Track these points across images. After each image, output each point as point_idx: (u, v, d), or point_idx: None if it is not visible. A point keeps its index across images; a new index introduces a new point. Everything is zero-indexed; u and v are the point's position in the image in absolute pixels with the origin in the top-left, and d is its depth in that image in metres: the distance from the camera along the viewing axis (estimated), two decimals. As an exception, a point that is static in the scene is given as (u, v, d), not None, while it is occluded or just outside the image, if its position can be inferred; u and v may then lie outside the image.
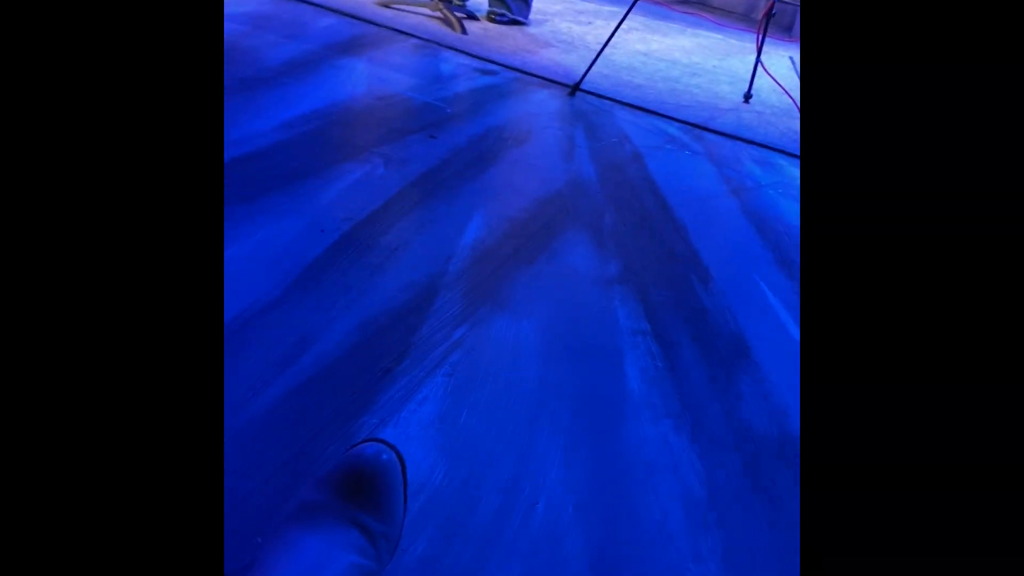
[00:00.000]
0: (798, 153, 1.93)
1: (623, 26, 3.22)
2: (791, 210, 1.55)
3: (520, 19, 2.77)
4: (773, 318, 1.10)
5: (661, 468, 0.77)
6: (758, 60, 2.26)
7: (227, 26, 1.97)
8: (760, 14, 2.35)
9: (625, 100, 2.10)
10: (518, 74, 2.15)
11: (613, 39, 2.74)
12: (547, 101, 1.95)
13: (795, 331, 1.07)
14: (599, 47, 2.68)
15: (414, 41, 2.25)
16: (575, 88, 2.06)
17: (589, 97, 2.06)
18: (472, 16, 2.71)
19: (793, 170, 1.81)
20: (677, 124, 1.99)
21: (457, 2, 2.75)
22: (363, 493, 0.57)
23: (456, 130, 1.60)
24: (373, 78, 1.83)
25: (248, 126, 1.38)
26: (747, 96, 2.33)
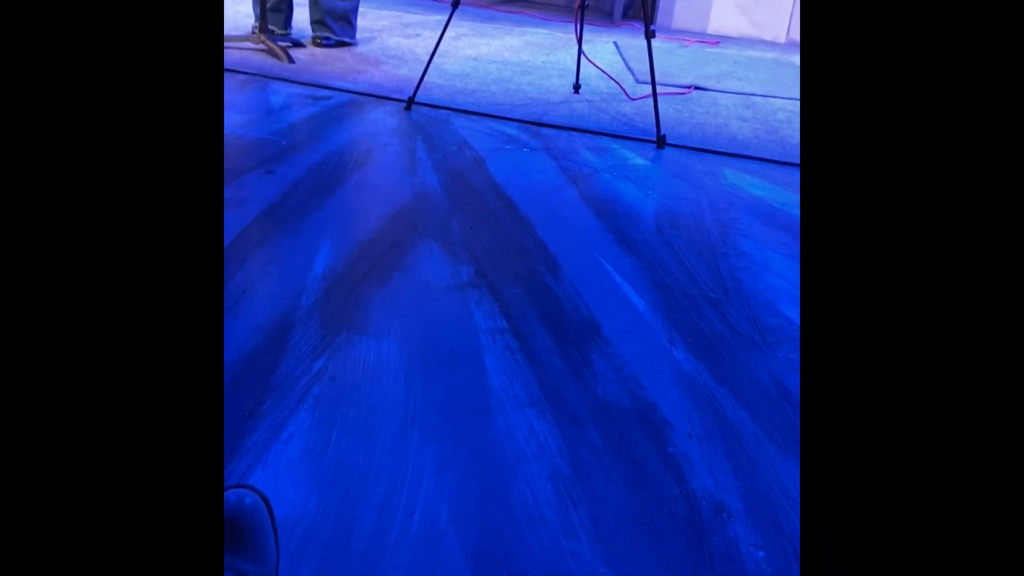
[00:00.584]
0: (628, 135, 2.03)
1: (451, 33, 3.28)
2: (625, 190, 1.63)
3: (347, 40, 2.77)
4: (619, 295, 1.17)
5: (528, 455, 0.81)
6: (580, 51, 2.36)
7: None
8: (575, 4, 2.45)
9: (461, 107, 2.14)
10: (352, 95, 2.16)
11: (442, 48, 2.79)
12: (384, 118, 1.97)
13: (639, 302, 1.14)
14: (424, 56, 2.72)
15: (240, 77, 2.21)
16: (410, 102, 2.08)
17: (425, 109, 2.10)
18: (297, 43, 2.69)
19: (624, 152, 1.91)
20: (514, 124, 2.05)
21: (280, 32, 2.72)
22: (232, 540, 0.58)
23: (294, 161, 1.60)
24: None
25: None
26: (576, 87, 2.43)
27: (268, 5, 2.60)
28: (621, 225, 1.43)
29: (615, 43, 3.38)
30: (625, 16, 4.15)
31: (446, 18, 3.45)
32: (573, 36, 3.52)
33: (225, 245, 1.20)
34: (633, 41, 3.52)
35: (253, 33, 2.62)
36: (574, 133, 2.02)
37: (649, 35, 1.92)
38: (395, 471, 0.77)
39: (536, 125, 2.05)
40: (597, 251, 1.32)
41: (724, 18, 4.31)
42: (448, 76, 2.49)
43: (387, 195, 1.48)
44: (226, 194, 1.40)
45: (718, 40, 3.99)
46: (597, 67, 2.57)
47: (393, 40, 3.01)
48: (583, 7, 2.29)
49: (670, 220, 1.48)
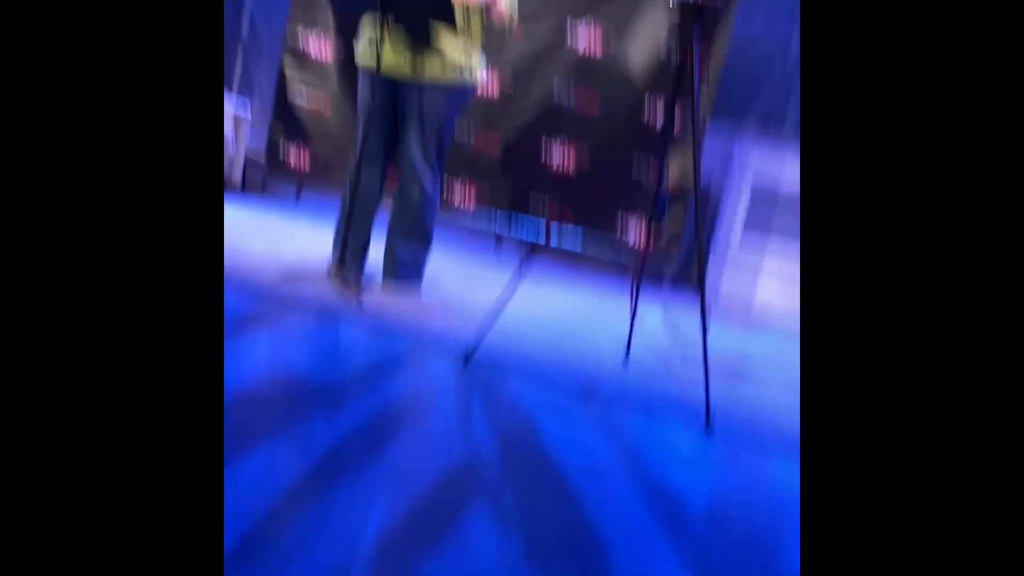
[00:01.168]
0: (678, 411, 2.08)
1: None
2: (675, 471, 1.65)
3: (414, 287, 2.96)
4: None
5: None
6: (632, 321, 2.49)
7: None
8: (633, 281, 2.61)
9: (516, 366, 2.24)
10: (415, 344, 2.28)
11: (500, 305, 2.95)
12: (441, 373, 2.07)
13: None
14: (486, 308, 2.88)
15: (313, 318, 2.36)
16: (468, 358, 2.19)
17: (481, 367, 2.19)
18: (368, 288, 2.88)
19: (675, 432, 1.95)
20: (565, 391, 2.13)
21: (352, 273, 2.93)
22: None
23: (357, 410, 1.67)
24: (274, 359, 1.90)
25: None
26: (627, 354, 2.53)
27: (347, 250, 2.83)
28: (672, 506, 1.44)
29: (664, 310, 3.55)
30: (675, 282, 4.38)
31: (506, 266, 3.69)
32: (620, 295, 3.71)
33: (280, 494, 1.23)
34: (682, 311, 3.69)
35: (328, 275, 2.83)
36: (626, 403, 2.08)
37: (704, 330, 2.04)
38: None
39: (589, 391, 2.13)
40: (649, 535, 1.32)
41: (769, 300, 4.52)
42: (503, 334, 2.61)
43: (444, 455, 1.52)
44: (287, 441, 1.46)
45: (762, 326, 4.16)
46: (647, 336, 2.69)
47: (454, 287, 3.21)
48: (639, 280, 2.45)
49: (722, 509, 1.49)
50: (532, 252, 4.72)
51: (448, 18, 2.62)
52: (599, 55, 3.99)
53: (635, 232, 4.06)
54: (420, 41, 2.68)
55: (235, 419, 1.50)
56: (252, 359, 1.86)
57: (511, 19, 2.74)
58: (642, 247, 2.54)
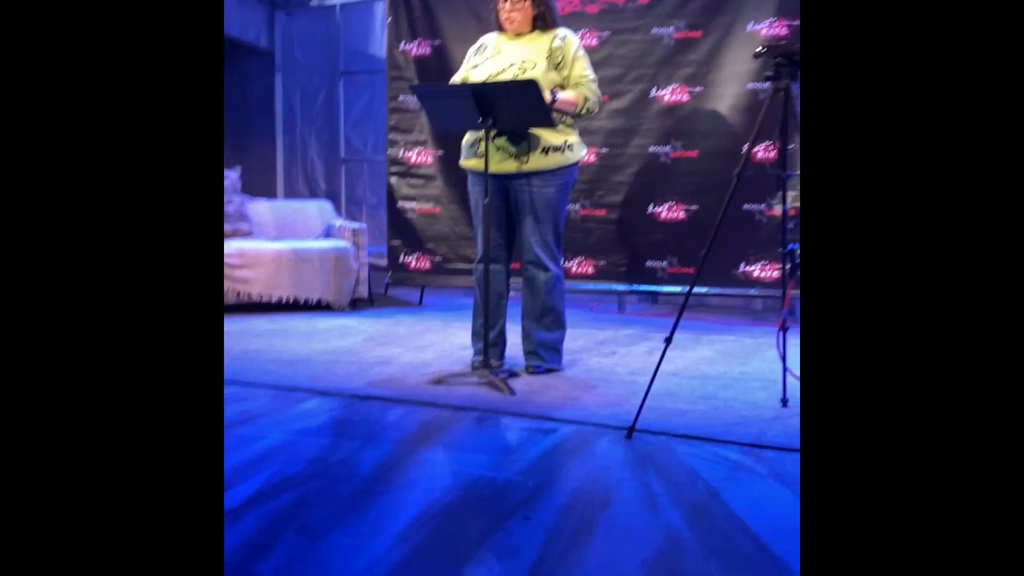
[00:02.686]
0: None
1: (643, 348, 3.51)
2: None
3: (555, 367, 3.04)
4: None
5: None
6: (784, 367, 2.47)
7: (315, 441, 2.19)
8: (778, 324, 2.61)
9: (677, 431, 2.27)
10: (574, 425, 2.35)
11: (640, 365, 2.99)
12: (610, 450, 2.12)
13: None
14: (631, 377, 2.93)
15: (473, 414, 2.47)
16: (631, 430, 2.24)
17: (645, 436, 2.23)
18: (513, 373, 2.98)
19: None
20: (734, 447, 2.14)
21: (496, 364, 3.04)
22: None
23: (544, 504, 1.74)
24: (454, 464, 2.00)
25: (369, 549, 1.52)
26: (783, 400, 2.51)
27: (488, 343, 2.95)
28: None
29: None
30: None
31: (634, 331, 3.74)
32: (760, 340, 3.68)
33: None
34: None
35: (474, 368, 2.95)
36: (797, 455, 2.06)
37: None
38: None
39: (756, 447, 2.13)
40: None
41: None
42: (656, 396, 2.64)
43: (639, 539, 1.57)
44: (488, 544, 1.54)
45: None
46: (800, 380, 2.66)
47: (593, 361, 3.27)
48: (785, 328, 2.45)
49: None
50: (654, 304, 4.74)
51: (546, 123, 2.76)
52: (689, 110, 4.06)
53: (757, 272, 4.04)
54: (521, 143, 2.83)
55: (439, 535, 1.60)
56: (434, 468, 1.97)
57: (585, 101, 2.85)
58: (784, 288, 2.54)
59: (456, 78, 3.05)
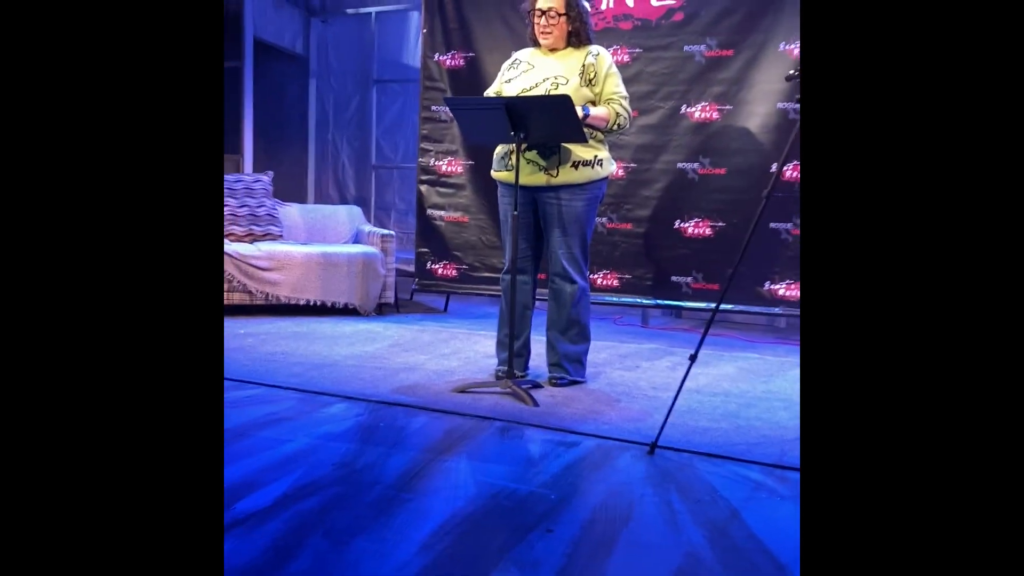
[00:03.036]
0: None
1: (667, 363, 3.52)
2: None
3: (578, 379, 3.06)
4: None
5: None
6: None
7: (340, 446, 2.23)
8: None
9: (699, 449, 2.28)
10: (597, 439, 2.36)
11: (663, 380, 3.00)
12: (632, 466, 2.13)
13: None
14: (654, 392, 2.94)
15: (497, 424, 2.50)
16: (653, 446, 2.25)
17: (667, 453, 2.25)
18: (536, 384, 3.01)
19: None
20: (756, 467, 2.14)
21: (520, 374, 3.07)
22: None
23: (567, 518, 1.76)
24: (477, 474, 2.03)
25: (393, 556, 1.55)
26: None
27: (513, 353, 2.97)
28: None
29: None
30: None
31: (657, 346, 3.74)
32: (783, 359, 3.67)
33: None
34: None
35: (498, 378, 2.98)
36: (819, 477, 2.07)
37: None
38: None
39: (778, 468, 2.13)
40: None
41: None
42: (677, 412, 2.66)
43: (660, 557, 1.58)
44: (511, 555, 1.56)
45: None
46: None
47: (616, 374, 3.29)
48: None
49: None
50: (678, 317, 4.74)
51: (578, 138, 2.79)
52: (718, 128, 4.07)
53: (782, 291, 4.03)
54: (551, 157, 2.86)
55: (462, 545, 1.62)
56: (457, 477, 2.00)
57: (616, 116, 2.88)
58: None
59: (490, 91, 3.09)
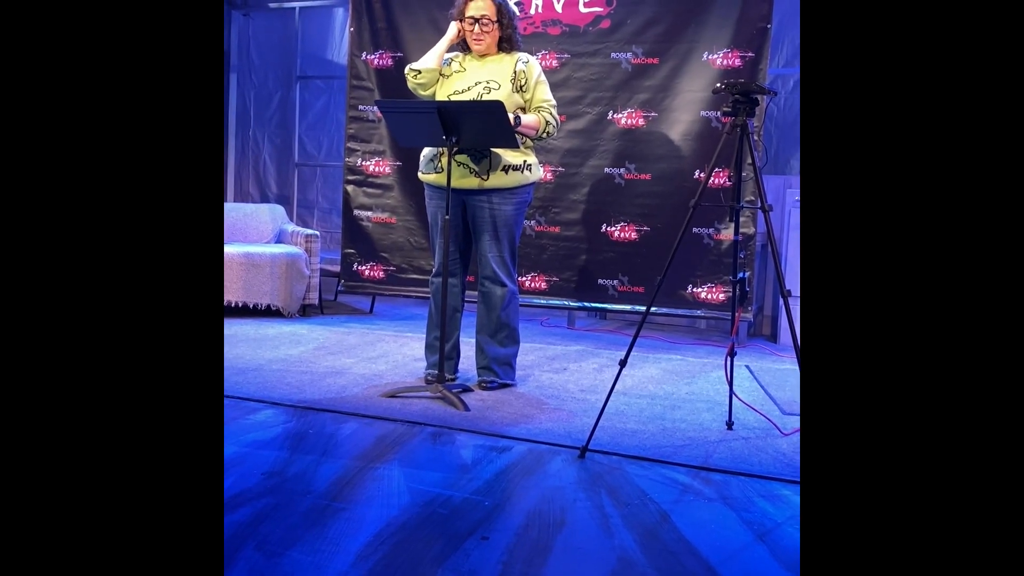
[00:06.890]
0: (794, 478, 2.14)
1: (594, 364, 3.57)
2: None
3: (508, 382, 3.08)
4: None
5: None
6: (731, 391, 2.56)
7: (269, 454, 2.18)
8: (727, 350, 2.69)
9: (628, 452, 2.33)
10: (528, 444, 2.39)
11: (591, 383, 3.04)
12: (564, 469, 2.17)
13: None
14: (582, 395, 2.98)
15: (428, 430, 2.49)
16: (584, 450, 2.29)
17: (597, 456, 2.29)
18: (466, 388, 3.01)
19: (796, 498, 2.01)
20: (682, 469, 2.21)
21: (450, 377, 3.07)
22: None
23: (502, 524, 1.77)
24: (411, 481, 2.02)
25: (329, 568, 1.53)
26: (729, 424, 2.60)
27: (442, 357, 2.97)
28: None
29: (748, 367, 3.61)
30: (750, 335, 4.43)
31: (584, 347, 3.79)
32: (704, 360, 3.78)
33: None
34: (764, 364, 3.74)
35: (428, 382, 2.97)
36: (742, 478, 2.15)
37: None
38: None
39: (704, 470, 2.20)
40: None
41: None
42: (606, 415, 2.70)
43: (595, 561, 1.62)
44: (447, 564, 1.57)
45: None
46: (749, 406, 2.76)
47: (545, 376, 3.32)
48: (734, 353, 2.53)
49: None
50: (603, 319, 4.82)
51: (510, 144, 2.81)
52: (644, 134, 4.16)
53: (704, 294, 4.15)
54: (482, 160, 2.87)
55: (398, 555, 1.62)
56: (390, 485, 1.99)
57: (546, 125, 2.92)
58: (734, 315, 2.63)
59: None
